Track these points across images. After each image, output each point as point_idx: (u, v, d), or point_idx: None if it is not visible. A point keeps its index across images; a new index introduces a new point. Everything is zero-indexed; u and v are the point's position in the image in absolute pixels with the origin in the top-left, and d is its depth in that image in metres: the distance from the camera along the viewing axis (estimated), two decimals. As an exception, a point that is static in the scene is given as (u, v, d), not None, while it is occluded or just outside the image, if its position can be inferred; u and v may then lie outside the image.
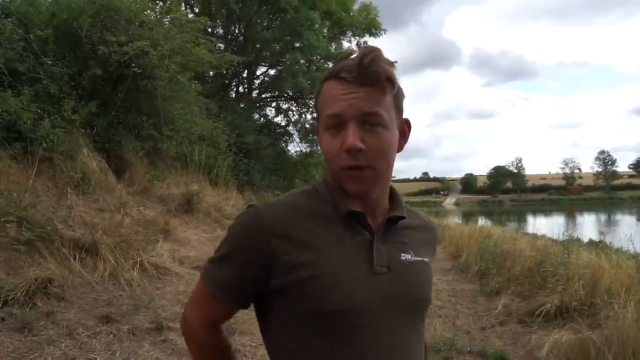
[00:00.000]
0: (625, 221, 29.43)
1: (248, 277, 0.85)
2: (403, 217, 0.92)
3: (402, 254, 0.90)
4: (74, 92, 6.33)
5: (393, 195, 0.95)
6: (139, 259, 4.36)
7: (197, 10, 17.08)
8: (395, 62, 0.88)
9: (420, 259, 0.93)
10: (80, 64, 6.77)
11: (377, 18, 18.86)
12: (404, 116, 0.92)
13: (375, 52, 0.84)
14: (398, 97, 0.88)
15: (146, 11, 8.22)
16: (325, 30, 18.24)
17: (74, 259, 3.84)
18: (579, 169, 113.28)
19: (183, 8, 14.84)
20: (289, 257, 0.82)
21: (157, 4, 13.58)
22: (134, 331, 3.26)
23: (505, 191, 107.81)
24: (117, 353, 2.98)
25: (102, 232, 4.34)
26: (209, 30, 15.08)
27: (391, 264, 0.87)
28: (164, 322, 3.44)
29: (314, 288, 0.81)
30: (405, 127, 0.93)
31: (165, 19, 8.60)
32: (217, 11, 16.86)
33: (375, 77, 0.83)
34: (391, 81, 0.85)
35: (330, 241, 0.85)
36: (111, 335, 3.14)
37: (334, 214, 0.87)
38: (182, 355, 3.14)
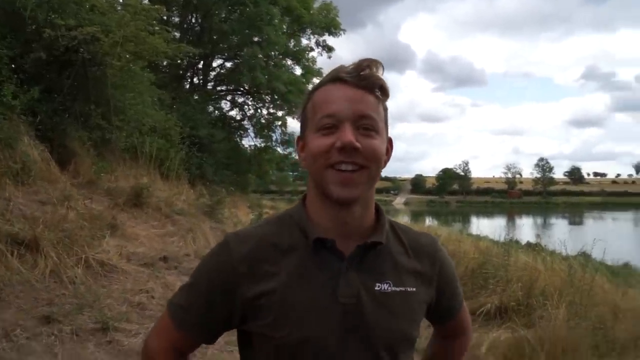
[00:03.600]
0: (559, 224, 31.51)
1: (210, 310, 0.86)
2: (379, 243, 0.86)
3: (378, 283, 0.85)
4: (15, 76, 5.93)
5: (378, 217, 0.90)
6: (83, 256, 4.15)
7: (152, -4, 16.45)
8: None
9: (402, 288, 0.86)
10: (23, 46, 6.34)
11: (337, 18, 18.99)
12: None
13: (374, 61, 0.84)
14: (387, 113, 0.88)
15: (98, -6, 7.83)
16: (284, 27, 18.14)
17: (12, 255, 3.61)
18: (520, 174, 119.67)
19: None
20: (252, 292, 0.83)
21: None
22: (78, 332, 3.12)
23: (452, 192, 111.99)
24: (59, 356, 2.85)
25: (44, 227, 4.10)
26: (164, 18, 14.59)
27: (362, 293, 0.83)
28: (110, 322, 3.32)
29: (274, 318, 0.82)
30: (388, 145, 0.90)
31: (118, 5, 8.23)
32: (173, -2, 16.32)
33: (372, 83, 0.83)
34: (385, 92, 0.85)
35: (294, 271, 0.83)
36: (52, 337, 2.99)
37: (302, 242, 0.85)
38: (129, 357, 3.05)
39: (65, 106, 6.83)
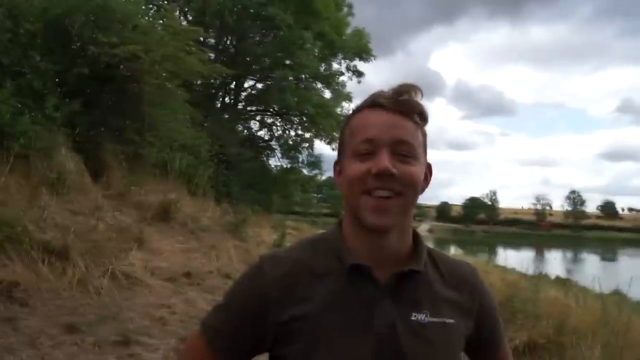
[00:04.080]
0: (591, 260, 30.29)
1: (242, 331, 0.84)
2: (417, 272, 0.83)
3: (414, 313, 0.81)
4: (58, 89, 6.21)
5: (416, 244, 0.87)
6: (110, 267, 4.23)
7: (190, 18, 17.08)
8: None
9: (440, 319, 0.83)
10: (68, 61, 6.65)
11: (368, 44, 19.22)
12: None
13: (413, 86, 0.84)
14: (426, 139, 0.87)
15: (140, 15, 8.18)
16: (316, 51, 18.46)
17: (43, 262, 3.70)
18: (550, 206, 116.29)
19: (177, 14, 14.81)
20: (285, 316, 0.81)
21: (151, 9, 13.58)
22: (100, 343, 3.14)
23: (479, 222, 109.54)
24: (80, 366, 2.87)
25: (74, 236, 4.21)
26: (201, 39, 15.08)
27: (398, 323, 0.80)
28: (132, 336, 3.33)
29: (306, 345, 0.79)
30: (427, 171, 0.87)
31: (158, 25, 8.57)
32: (210, 21, 16.89)
33: (411, 109, 0.83)
34: (424, 117, 0.85)
35: (328, 297, 0.80)
36: (75, 346, 3.01)
37: (337, 268, 0.82)
38: (148, 371, 3.05)
39: (102, 120, 7.09)
